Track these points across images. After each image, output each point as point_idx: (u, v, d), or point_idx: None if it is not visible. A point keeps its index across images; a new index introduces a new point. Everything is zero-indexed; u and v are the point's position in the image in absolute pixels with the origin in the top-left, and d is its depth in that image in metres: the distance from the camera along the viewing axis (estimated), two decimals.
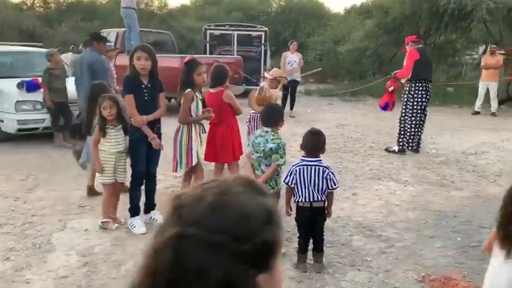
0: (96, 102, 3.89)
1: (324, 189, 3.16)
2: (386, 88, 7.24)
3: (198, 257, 0.75)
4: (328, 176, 3.14)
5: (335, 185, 3.18)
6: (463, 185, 5.40)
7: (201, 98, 4.12)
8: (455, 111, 11.79)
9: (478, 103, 11.19)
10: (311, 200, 3.17)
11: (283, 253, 3.47)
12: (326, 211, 3.29)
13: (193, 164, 4.09)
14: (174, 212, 0.81)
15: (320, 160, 3.20)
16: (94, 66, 5.92)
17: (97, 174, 4.05)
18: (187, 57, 4.32)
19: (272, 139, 3.38)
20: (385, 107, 7.26)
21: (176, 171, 4.15)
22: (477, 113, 11.11)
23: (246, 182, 0.85)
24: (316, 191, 3.15)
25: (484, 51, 13.62)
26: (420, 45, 6.85)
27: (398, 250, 3.63)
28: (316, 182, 3.14)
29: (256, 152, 3.42)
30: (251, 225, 0.78)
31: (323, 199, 3.20)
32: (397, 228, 4.09)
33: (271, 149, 3.35)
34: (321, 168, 3.15)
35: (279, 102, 7.18)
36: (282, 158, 3.38)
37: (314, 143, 3.22)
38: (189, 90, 3.98)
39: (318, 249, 3.32)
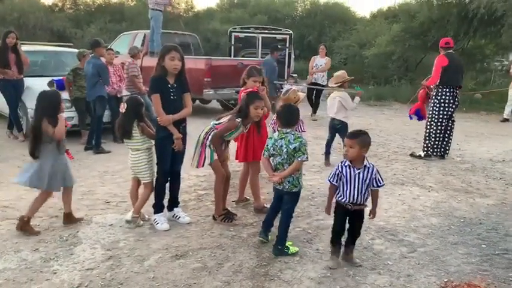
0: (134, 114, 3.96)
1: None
2: (419, 97, 7.13)
3: None
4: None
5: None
6: (489, 193, 5.29)
7: (244, 130, 4.11)
8: (483, 118, 11.54)
9: (507, 110, 10.96)
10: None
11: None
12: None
13: (205, 164, 4.05)
14: None
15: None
16: None
17: (140, 173, 4.04)
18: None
19: (294, 139, 3.41)
20: (419, 117, 7.16)
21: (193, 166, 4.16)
22: (506, 120, 10.87)
23: None
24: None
25: None
26: (449, 51, 6.76)
27: (421, 255, 3.59)
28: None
29: (279, 155, 3.43)
30: None
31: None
32: (420, 233, 4.04)
33: (294, 148, 3.37)
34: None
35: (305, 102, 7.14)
36: (304, 154, 3.40)
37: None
38: (239, 120, 3.98)
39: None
